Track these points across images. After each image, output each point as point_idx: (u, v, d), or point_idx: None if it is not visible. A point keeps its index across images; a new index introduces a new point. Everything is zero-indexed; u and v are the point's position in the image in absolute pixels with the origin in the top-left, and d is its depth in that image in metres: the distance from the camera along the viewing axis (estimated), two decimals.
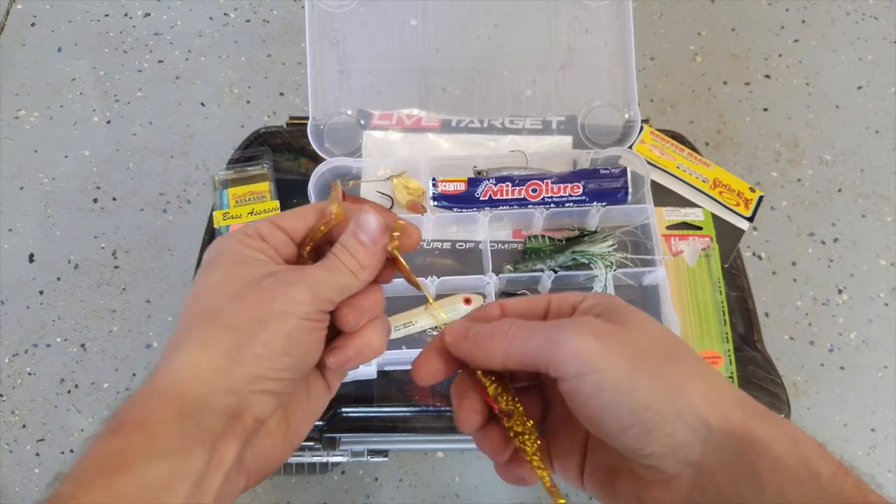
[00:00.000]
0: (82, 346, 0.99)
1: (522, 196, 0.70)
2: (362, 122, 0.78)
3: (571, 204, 0.71)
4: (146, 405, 0.27)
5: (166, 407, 0.26)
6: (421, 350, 0.33)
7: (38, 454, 0.92)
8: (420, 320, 0.66)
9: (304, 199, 0.70)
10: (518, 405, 0.30)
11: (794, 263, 1.06)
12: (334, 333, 0.33)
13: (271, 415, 0.30)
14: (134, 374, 0.99)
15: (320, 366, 0.33)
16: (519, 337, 0.28)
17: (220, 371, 0.28)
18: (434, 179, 0.71)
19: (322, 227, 0.32)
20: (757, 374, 0.66)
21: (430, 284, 0.67)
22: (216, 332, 0.28)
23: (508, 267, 0.70)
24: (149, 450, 0.25)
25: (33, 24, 1.25)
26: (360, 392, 0.67)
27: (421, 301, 0.67)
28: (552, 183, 0.70)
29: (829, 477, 0.23)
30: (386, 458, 0.77)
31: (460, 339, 0.30)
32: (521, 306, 0.32)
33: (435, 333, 0.67)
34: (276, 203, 0.72)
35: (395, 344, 0.66)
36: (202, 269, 0.31)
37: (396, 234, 0.32)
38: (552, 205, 0.70)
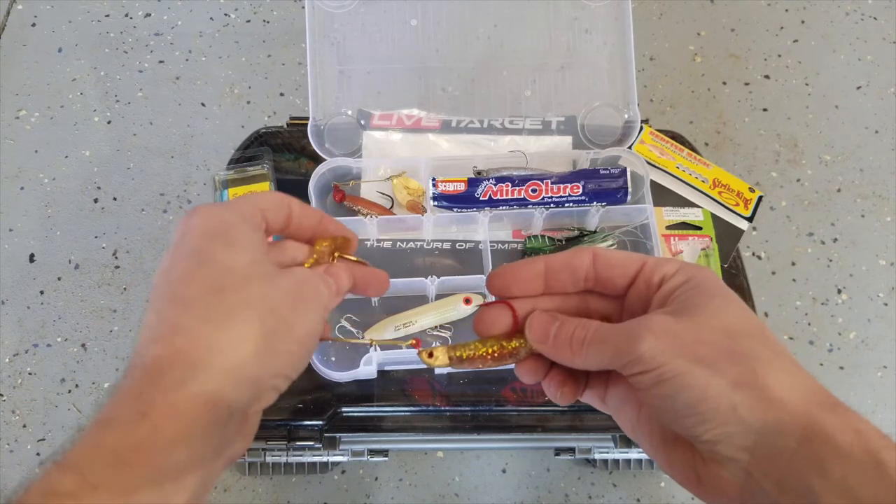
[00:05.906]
0: (83, 345, 0.99)
1: (522, 196, 0.70)
2: (362, 122, 0.78)
3: (571, 204, 0.71)
4: (175, 391, 0.24)
5: (196, 395, 0.25)
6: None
7: (38, 454, 0.92)
8: (420, 320, 0.66)
9: (304, 200, 0.70)
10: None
11: (793, 263, 1.06)
12: None
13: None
14: None
15: None
16: (592, 352, 0.30)
17: (257, 356, 0.26)
18: (434, 179, 0.71)
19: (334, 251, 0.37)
20: None
21: (430, 284, 0.67)
22: (256, 313, 0.27)
23: None
24: (173, 443, 0.24)
25: (34, 25, 1.25)
26: (360, 391, 0.67)
27: (421, 301, 0.67)
28: (552, 183, 0.70)
29: (895, 466, 0.24)
30: (386, 458, 0.77)
31: (542, 340, 0.32)
32: (613, 260, 0.32)
33: (436, 333, 0.68)
34: None
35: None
36: (208, 233, 0.28)
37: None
38: (552, 205, 0.71)
